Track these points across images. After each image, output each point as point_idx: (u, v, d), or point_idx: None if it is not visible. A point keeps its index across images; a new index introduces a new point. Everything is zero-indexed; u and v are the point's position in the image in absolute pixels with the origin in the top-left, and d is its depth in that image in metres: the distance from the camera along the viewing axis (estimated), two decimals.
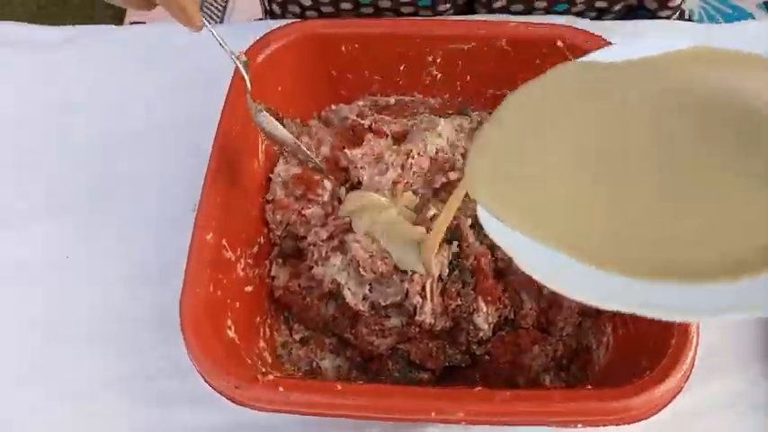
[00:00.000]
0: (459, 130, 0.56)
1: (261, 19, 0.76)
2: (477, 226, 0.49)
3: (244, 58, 0.45)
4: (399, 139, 0.55)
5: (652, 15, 0.69)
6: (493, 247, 0.48)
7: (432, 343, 0.49)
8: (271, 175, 0.54)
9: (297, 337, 0.52)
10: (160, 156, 0.59)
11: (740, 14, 1.32)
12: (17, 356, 0.51)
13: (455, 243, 0.48)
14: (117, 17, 1.33)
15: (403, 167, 0.52)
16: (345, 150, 0.53)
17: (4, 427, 0.48)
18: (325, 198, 0.52)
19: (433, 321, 0.47)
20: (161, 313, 0.48)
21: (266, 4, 0.72)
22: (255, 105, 0.45)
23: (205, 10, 1.40)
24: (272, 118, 0.45)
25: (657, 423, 0.39)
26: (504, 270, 0.49)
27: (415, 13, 0.67)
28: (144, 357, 0.50)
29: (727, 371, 0.49)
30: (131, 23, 1.31)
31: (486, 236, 0.42)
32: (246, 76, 0.44)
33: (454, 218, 0.47)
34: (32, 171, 0.59)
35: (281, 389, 0.37)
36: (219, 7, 1.43)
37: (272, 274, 0.52)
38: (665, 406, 0.38)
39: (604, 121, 0.37)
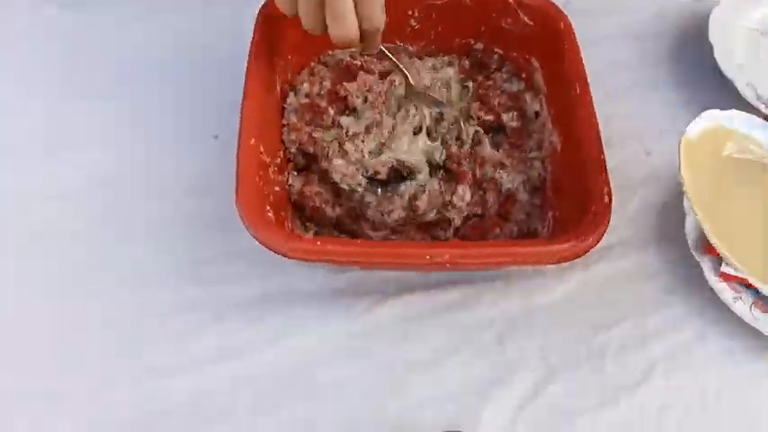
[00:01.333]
0: (431, 69, 0.71)
1: None
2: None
3: None
4: (384, 75, 0.69)
5: None
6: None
7: (417, 234, 0.64)
8: (285, 105, 0.67)
9: (310, 233, 0.66)
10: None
11: None
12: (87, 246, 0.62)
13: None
14: None
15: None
16: (344, 84, 0.67)
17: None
18: (329, 122, 0.66)
19: (425, 210, 0.62)
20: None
21: None
22: None
23: None
24: None
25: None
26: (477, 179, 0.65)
27: None
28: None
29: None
30: None
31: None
32: None
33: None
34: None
35: (319, 243, 0.52)
36: None
37: (290, 182, 0.65)
38: (585, 253, 0.54)
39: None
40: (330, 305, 0.58)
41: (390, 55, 0.62)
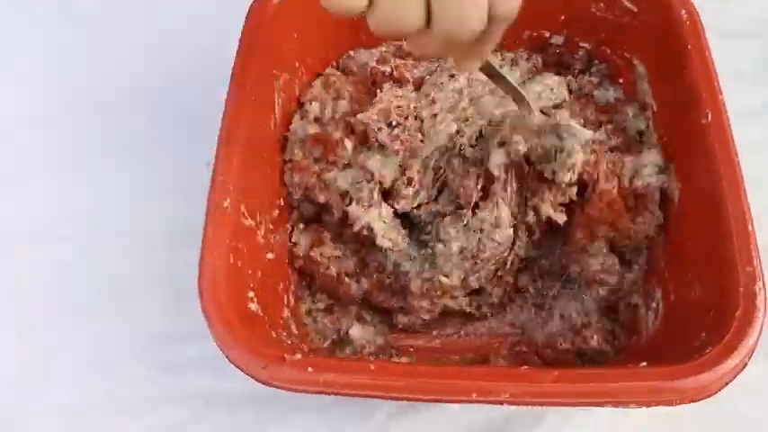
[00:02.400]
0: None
1: None
2: None
3: None
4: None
5: None
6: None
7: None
8: (287, 134, 0.49)
9: (320, 305, 0.49)
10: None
11: None
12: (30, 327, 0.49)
13: None
14: None
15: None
16: (357, 116, 0.48)
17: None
18: (345, 160, 0.48)
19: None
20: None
21: None
22: None
23: None
24: None
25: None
26: None
27: None
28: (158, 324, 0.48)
29: None
30: None
31: None
32: None
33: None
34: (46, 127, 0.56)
35: (309, 369, 0.34)
36: None
37: (293, 240, 0.48)
38: (726, 385, 0.35)
39: None
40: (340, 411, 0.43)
41: (502, 72, 0.41)
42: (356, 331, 0.47)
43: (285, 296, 0.46)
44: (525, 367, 0.36)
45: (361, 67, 0.53)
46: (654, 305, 0.44)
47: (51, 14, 0.62)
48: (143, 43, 0.59)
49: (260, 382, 0.35)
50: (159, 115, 0.56)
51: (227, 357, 0.36)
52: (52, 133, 0.56)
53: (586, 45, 0.53)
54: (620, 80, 0.52)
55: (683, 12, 0.45)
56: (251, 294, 0.41)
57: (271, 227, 0.46)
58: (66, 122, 0.56)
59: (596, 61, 0.53)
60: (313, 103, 0.50)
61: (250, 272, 0.41)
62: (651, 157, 0.46)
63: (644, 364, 0.36)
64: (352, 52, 0.54)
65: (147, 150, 0.54)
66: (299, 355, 0.35)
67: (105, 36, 0.60)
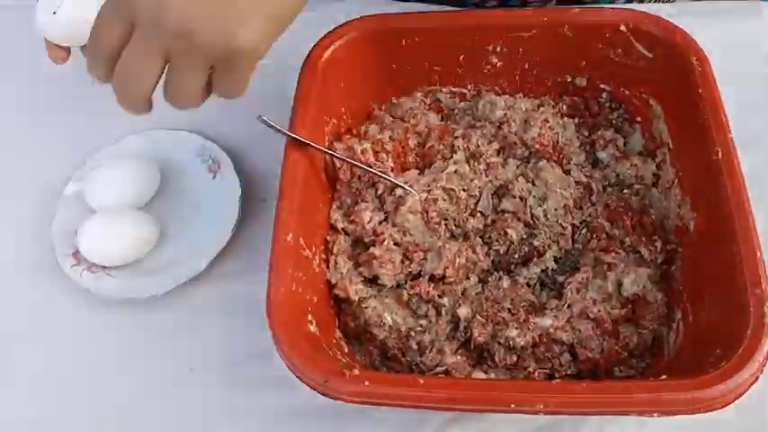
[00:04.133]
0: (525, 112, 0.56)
1: None
2: None
3: None
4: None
5: None
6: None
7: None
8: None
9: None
10: None
11: None
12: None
13: None
14: None
15: None
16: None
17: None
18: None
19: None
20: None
21: None
22: None
23: None
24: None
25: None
26: None
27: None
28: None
29: None
30: None
31: None
32: None
33: None
34: None
35: (366, 383, 0.39)
36: None
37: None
38: (743, 395, 0.39)
39: None
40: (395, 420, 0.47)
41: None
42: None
43: (336, 319, 0.51)
44: (557, 380, 0.40)
45: (406, 111, 0.58)
46: (674, 326, 0.48)
47: None
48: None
49: (323, 395, 0.40)
50: None
51: (294, 374, 0.41)
52: None
53: (607, 87, 0.58)
54: (638, 119, 0.56)
55: (694, 57, 0.50)
56: (310, 317, 0.46)
57: (324, 257, 0.51)
58: None
59: (616, 104, 0.58)
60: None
61: (308, 297, 0.47)
62: None
63: (664, 377, 0.40)
64: (394, 99, 0.59)
65: None
66: (356, 371, 0.40)
67: None
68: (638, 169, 0.53)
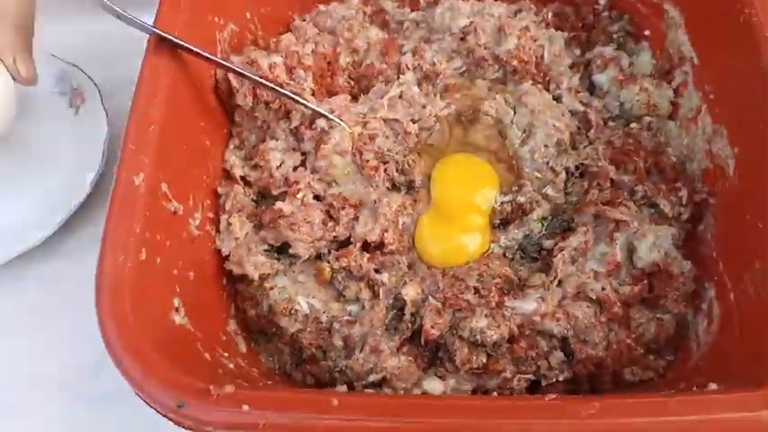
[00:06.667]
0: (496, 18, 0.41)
1: None
2: None
3: None
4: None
5: None
6: None
7: None
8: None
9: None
10: None
11: None
12: None
13: None
14: None
15: None
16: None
17: None
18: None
19: None
20: None
21: None
22: None
23: None
24: None
25: None
26: None
27: None
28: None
29: None
30: None
31: None
32: None
33: None
34: None
35: (245, 407, 0.24)
36: None
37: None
38: None
39: None
40: None
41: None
42: None
43: (232, 303, 0.36)
44: (553, 396, 0.25)
45: (338, 22, 0.43)
46: (704, 307, 0.34)
47: None
48: None
49: (178, 424, 0.25)
50: None
51: (133, 390, 0.26)
52: None
53: None
54: (647, 32, 0.42)
55: None
56: (176, 303, 0.30)
57: (210, 216, 0.36)
58: None
59: (616, 12, 0.44)
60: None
61: (176, 272, 0.31)
62: None
63: (713, 385, 0.26)
64: (322, 7, 0.44)
65: None
66: (229, 388, 0.25)
67: None
68: (649, 96, 0.39)
